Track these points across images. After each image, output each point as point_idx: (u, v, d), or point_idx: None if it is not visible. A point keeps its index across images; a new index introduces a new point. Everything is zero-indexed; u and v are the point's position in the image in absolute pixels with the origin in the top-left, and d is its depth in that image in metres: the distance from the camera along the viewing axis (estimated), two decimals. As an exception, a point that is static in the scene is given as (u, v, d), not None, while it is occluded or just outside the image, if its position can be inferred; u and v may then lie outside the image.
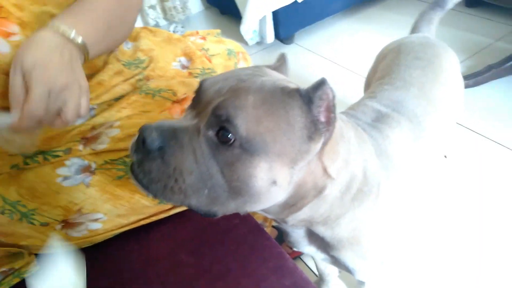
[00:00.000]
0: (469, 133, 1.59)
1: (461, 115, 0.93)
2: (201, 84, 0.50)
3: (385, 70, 0.88)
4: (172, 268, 0.64)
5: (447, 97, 0.84)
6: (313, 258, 1.06)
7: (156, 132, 0.44)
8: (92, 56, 0.60)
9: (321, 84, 0.44)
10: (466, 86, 1.78)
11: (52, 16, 0.59)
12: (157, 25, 2.61)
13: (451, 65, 0.91)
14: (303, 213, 0.55)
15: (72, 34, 0.54)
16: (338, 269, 1.12)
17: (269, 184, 0.45)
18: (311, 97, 0.45)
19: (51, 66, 0.51)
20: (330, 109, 0.46)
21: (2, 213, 0.63)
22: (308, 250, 0.71)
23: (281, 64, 0.58)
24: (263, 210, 0.56)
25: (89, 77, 0.69)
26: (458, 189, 1.39)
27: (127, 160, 0.69)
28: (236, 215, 0.70)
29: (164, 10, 2.64)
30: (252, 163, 0.43)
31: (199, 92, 0.50)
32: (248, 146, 0.43)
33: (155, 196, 0.46)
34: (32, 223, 0.64)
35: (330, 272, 1.09)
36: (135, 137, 0.46)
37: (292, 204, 0.53)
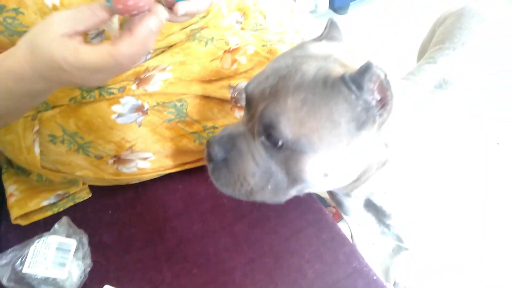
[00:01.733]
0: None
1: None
2: (246, 88, 0.52)
3: (445, 34, 0.83)
4: (213, 210, 0.66)
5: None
6: (349, 227, 1.06)
7: (218, 146, 0.50)
8: None
9: (367, 68, 0.41)
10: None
11: None
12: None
13: None
14: (368, 185, 0.56)
15: None
16: (372, 241, 1.11)
17: (322, 176, 0.47)
18: (359, 82, 0.42)
19: None
20: (385, 87, 0.43)
21: (62, 142, 0.67)
22: (361, 220, 0.71)
23: (329, 31, 0.56)
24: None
25: None
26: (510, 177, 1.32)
27: (178, 104, 0.71)
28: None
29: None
30: (301, 161, 0.46)
31: (247, 95, 0.52)
32: (295, 147, 0.45)
33: (232, 195, 0.53)
34: (87, 155, 0.68)
35: (365, 242, 1.09)
36: (205, 150, 0.52)
37: (355, 180, 0.53)
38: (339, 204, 0.70)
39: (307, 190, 0.52)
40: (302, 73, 0.46)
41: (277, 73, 0.48)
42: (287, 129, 0.44)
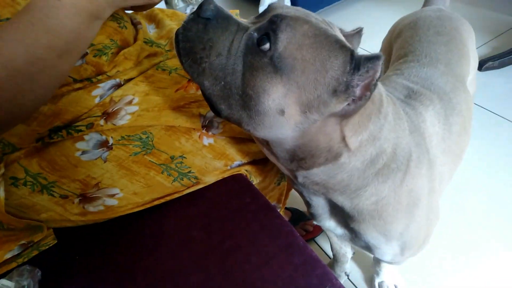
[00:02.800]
0: (494, 117, 1.53)
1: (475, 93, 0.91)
2: (270, 5, 0.53)
3: (407, 47, 0.86)
4: (183, 243, 0.65)
5: (469, 72, 0.82)
6: (329, 238, 1.06)
7: (214, 6, 0.49)
8: None
9: (375, 58, 0.43)
10: (491, 68, 1.71)
11: None
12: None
13: (469, 38, 0.89)
14: (315, 175, 0.56)
15: None
16: (352, 250, 1.12)
17: (277, 110, 0.47)
18: (359, 64, 0.44)
19: None
20: (369, 88, 0.45)
21: (24, 184, 0.66)
22: (329, 224, 0.72)
23: (354, 34, 0.58)
24: (272, 154, 0.57)
25: (120, 50, 0.71)
26: (478, 173, 1.35)
27: (143, 136, 0.70)
28: (247, 194, 0.71)
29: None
30: (272, 79, 0.46)
31: (266, 9, 0.53)
32: (277, 63, 0.45)
33: (181, 61, 0.51)
34: (52, 195, 0.67)
35: (345, 252, 1.09)
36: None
37: (301, 157, 0.54)
38: (308, 204, 0.73)
39: (250, 124, 0.50)
40: (327, 28, 0.48)
41: (307, 13, 0.50)
42: (284, 42, 0.45)
